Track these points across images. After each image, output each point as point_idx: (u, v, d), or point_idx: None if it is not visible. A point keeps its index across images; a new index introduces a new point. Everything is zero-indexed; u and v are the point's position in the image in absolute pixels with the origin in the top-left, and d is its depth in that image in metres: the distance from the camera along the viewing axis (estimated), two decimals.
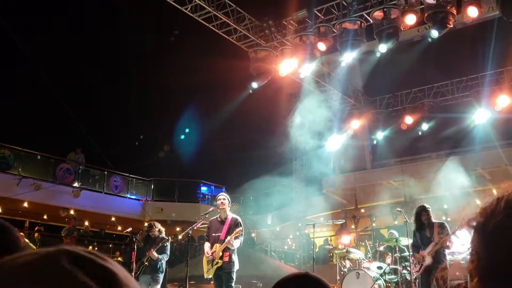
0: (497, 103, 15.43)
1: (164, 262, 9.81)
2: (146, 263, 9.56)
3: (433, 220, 8.73)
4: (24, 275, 0.63)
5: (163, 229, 10.27)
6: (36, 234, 18.04)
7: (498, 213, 1.02)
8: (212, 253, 7.89)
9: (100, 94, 25.41)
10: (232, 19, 12.84)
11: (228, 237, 7.79)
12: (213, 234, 8.08)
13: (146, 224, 10.68)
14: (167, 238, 10.01)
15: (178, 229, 21.19)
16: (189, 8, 12.23)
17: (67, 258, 0.65)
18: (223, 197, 8.21)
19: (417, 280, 9.14)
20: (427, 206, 8.78)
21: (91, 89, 25.15)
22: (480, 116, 16.04)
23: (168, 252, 10.06)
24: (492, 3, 11.47)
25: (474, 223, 1.06)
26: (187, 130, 23.15)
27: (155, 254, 9.51)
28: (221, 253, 7.83)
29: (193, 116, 22.88)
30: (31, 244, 16.58)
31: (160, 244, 9.71)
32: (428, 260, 8.55)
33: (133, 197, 21.76)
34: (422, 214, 8.66)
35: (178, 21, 14.11)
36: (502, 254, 0.98)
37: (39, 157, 19.15)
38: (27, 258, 0.66)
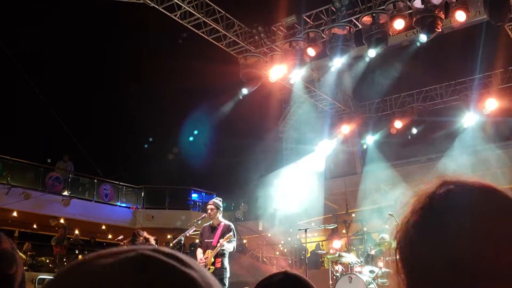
0: (485, 106, 15.58)
1: None
2: None
3: None
4: (102, 280, 0.61)
5: (150, 237, 10.10)
6: (25, 244, 17.86)
7: (411, 229, 0.99)
8: (204, 259, 7.86)
9: (90, 102, 25.30)
10: (221, 25, 12.86)
11: (220, 241, 7.77)
12: (206, 240, 8.06)
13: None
14: (154, 246, 9.88)
15: (169, 236, 21.07)
16: (178, 15, 12.23)
17: (149, 265, 0.63)
18: (211, 207, 8.17)
19: None
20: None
21: (80, 96, 25.01)
22: (469, 120, 16.18)
23: None
24: (480, 7, 11.58)
25: (397, 240, 1.03)
26: (177, 137, 23.08)
27: None
28: (213, 259, 7.80)
29: (183, 122, 22.82)
30: (20, 254, 16.44)
31: None
32: None
33: (124, 205, 21.63)
34: None
35: (167, 27, 14.08)
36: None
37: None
38: (107, 261, 0.63)
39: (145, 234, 10.08)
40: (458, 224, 0.93)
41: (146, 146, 25.44)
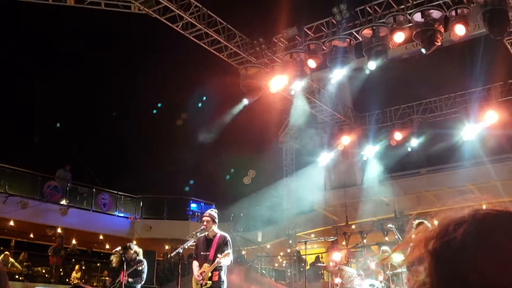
0: (485, 119, 15.58)
1: (138, 286, 9.60)
2: (117, 286, 9.37)
3: None
4: None
5: (140, 251, 10.03)
6: (22, 254, 17.72)
7: (450, 240, 1.00)
8: (201, 273, 7.77)
9: (88, 111, 25.29)
10: (223, 36, 12.89)
11: (217, 258, 7.67)
12: (202, 253, 7.95)
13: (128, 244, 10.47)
14: (143, 261, 9.76)
15: (167, 247, 20.94)
16: (180, 26, 12.27)
17: None
18: (207, 218, 8.07)
19: None
20: (426, 222, 8.53)
21: (79, 106, 25.00)
22: (469, 132, 16.17)
23: (144, 276, 9.75)
24: (479, 21, 11.63)
25: (430, 247, 1.03)
26: (176, 146, 23.06)
27: (128, 279, 9.35)
28: (210, 274, 7.71)
29: (183, 132, 22.82)
30: (16, 264, 16.28)
31: (134, 267, 9.48)
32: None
33: (122, 215, 21.49)
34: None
35: (167, 38, 14.12)
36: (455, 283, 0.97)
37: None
38: None
39: (136, 247, 10.00)
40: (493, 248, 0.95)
41: (145, 155, 25.42)
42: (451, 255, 0.98)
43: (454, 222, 1.03)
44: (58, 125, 17.98)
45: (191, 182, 23.67)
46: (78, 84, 24.12)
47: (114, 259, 10.17)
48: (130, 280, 9.33)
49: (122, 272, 9.36)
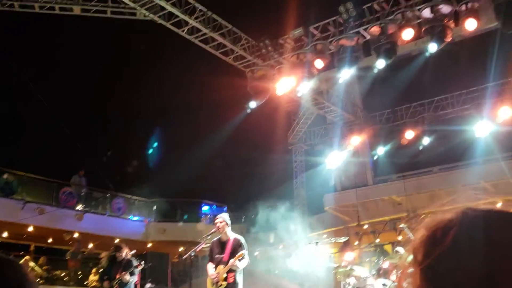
0: (498, 115, 15.30)
1: (132, 285, 9.98)
2: (115, 286, 9.69)
3: None
4: None
5: (130, 253, 10.38)
6: (41, 258, 18.00)
7: (440, 247, 0.95)
8: (216, 274, 7.80)
9: (102, 117, 25.51)
10: (228, 39, 12.87)
11: (232, 260, 7.70)
12: (217, 256, 7.99)
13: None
14: (135, 260, 10.12)
15: (181, 249, 21.05)
16: (185, 31, 12.31)
17: None
18: (220, 221, 8.10)
19: None
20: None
21: (92, 112, 25.26)
22: (482, 129, 15.90)
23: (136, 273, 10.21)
24: (491, 14, 11.41)
25: (418, 257, 0.98)
26: (188, 150, 23.16)
27: (126, 277, 9.67)
28: (225, 274, 7.74)
29: (193, 135, 22.91)
30: (36, 268, 16.55)
31: (132, 268, 9.84)
32: None
33: (136, 218, 21.68)
34: None
35: (176, 42, 14.16)
36: None
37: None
38: None
39: (127, 250, 10.31)
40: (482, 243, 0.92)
41: (158, 159, 25.56)
42: (442, 263, 0.93)
43: (442, 227, 0.97)
44: (70, 132, 18.14)
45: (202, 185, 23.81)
46: (90, 89, 24.36)
47: (104, 258, 10.56)
48: (130, 279, 9.72)
49: (122, 272, 9.67)
